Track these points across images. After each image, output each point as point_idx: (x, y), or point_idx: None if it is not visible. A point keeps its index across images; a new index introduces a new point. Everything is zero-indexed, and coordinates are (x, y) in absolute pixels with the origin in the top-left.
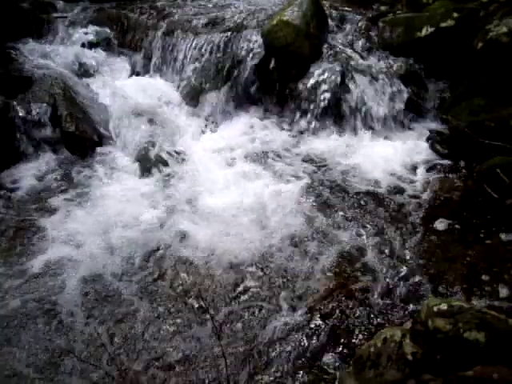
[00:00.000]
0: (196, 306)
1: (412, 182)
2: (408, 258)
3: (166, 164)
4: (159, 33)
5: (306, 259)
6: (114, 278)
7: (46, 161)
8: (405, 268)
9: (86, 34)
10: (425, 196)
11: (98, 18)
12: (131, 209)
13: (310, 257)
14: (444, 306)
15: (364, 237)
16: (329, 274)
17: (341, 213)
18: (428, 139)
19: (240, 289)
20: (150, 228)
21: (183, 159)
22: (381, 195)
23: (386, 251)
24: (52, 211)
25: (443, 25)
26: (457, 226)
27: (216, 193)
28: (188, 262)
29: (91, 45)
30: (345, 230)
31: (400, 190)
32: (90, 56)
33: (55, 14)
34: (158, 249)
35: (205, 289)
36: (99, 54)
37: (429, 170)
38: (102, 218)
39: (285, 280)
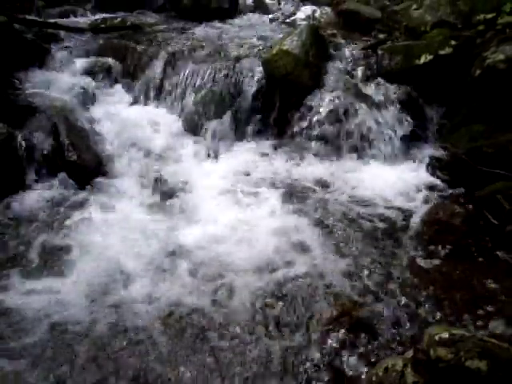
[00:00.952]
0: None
1: (412, 208)
2: (409, 284)
3: (166, 193)
4: (160, 62)
5: (304, 287)
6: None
7: (48, 189)
8: (405, 295)
9: (88, 63)
10: (425, 222)
11: (100, 48)
12: (131, 238)
13: (309, 284)
14: (445, 335)
15: (364, 263)
16: (329, 302)
17: (340, 239)
18: (428, 165)
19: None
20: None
21: (183, 188)
22: (380, 221)
23: (387, 278)
24: (50, 240)
25: (441, 52)
26: (457, 253)
27: (215, 223)
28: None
29: (93, 74)
30: (344, 258)
31: (400, 216)
32: (92, 85)
33: (58, 44)
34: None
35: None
36: (101, 83)
37: (429, 196)
38: (101, 250)
39: (284, 307)
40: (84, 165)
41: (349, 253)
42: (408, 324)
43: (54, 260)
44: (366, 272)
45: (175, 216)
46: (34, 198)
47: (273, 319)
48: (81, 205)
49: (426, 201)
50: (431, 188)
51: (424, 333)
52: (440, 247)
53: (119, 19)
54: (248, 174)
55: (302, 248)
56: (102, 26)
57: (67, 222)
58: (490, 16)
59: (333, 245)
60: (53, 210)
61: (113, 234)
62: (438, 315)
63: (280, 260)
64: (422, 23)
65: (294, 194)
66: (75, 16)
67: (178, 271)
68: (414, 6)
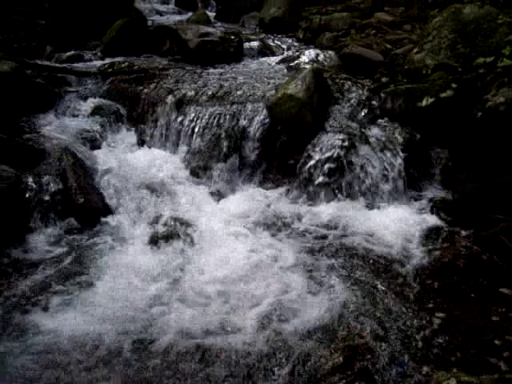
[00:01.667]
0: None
1: (416, 249)
2: (414, 327)
3: (171, 236)
4: (166, 106)
5: (304, 332)
6: None
7: (55, 232)
8: (411, 339)
9: (96, 106)
10: (429, 263)
11: (108, 91)
12: (136, 282)
13: (309, 330)
14: (453, 382)
15: (367, 306)
16: (331, 348)
17: (342, 281)
18: (432, 206)
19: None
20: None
21: (188, 232)
22: (385, 263)
23: (391, 321)
24: (56, 285)
25: (443, 95)
26: (462, 293)
27: (219, 266)
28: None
29: (101, 117)
30: (348, 301)
31: (404, 258)
32: (99, 128)
33: (67, 88)
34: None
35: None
36: (108, 126)
37: (433, 237)
38: (107, 293)
39: (286, 352)
40: (91, 207)
41: (351, 295)
42: (413, 369)
43: (60, 303)
44: (368, 315)
45: (178, 258)
46: (41, 241)
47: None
48: (87, 248)
49: (430, 242)
50: (435, 229)
51: (431, 380)
52: (444, 288)
53: (127, 63)
54: (252, 217)
55: (303, 294)
56: (110, 70)
57: (74, 266)
58: (489, 59)
59: (335, 287)
60: (59, 252)
61: (119, 276)
62: (445, 359)
63: (280, 308)
64: (424, 66)
65: (297, 236)
66: (84, 60)
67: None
68: (416, 50)
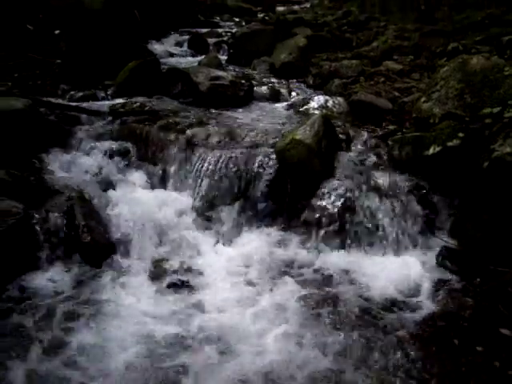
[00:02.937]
0: None
1: (421, 299)
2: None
3: (175, 281)
4: (176, 148)
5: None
6: None
7: (61, 269)
8: None
9: (107, 146)
10: (434, 314)
11: (119, 131)
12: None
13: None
14: None
15: (369, 359)
16: None
17: (343, 331)
18: (438, 256)
19: None
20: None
21: (192, 276)
22: (388, 313)
23: (392, 374)
24: (61, 323)
25: (449, 144)
26: (468, 347)
27: (225, 313)
28: None
29: (111, 157)
30: (347, 351)
31: (408, 308)
32: (110, 167)
33: (79, 127)
34: None
35: None
36: (118, 165)
37: (439, 287)
38: (110, 337)
39: None
40: (97, 246)
41: (351, 346)
42: None
43: (60, 347)
44: (368, 372)
45: (184, 303)
46: (47, 278)
47: None
48: (91, 287)
49: (435, 292)
50: (441, 279)
51: None
52: (450, 341)
53: (138, 104)
54: (256, 263)
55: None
56: (122, 109)
57: (79, 308)
58: (496, 110)
59: (336, 339)
60: (63, 291)
61: (124, 322)
62: None
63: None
64: (431, 115)
65: (302, 283)
66: (97, 99)
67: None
68: (423, 99)
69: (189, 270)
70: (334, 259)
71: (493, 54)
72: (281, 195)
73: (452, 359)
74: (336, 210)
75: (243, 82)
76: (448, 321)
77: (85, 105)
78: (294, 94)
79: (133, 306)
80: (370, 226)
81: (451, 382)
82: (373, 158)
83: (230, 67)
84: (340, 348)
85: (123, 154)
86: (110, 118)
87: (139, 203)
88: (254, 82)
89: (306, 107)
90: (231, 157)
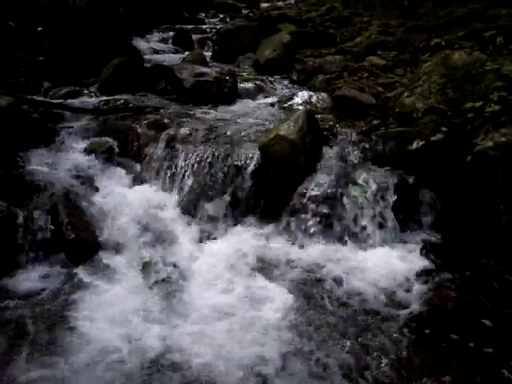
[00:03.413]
0: None
1: (405, 293)
2: (404, 375)
3: (160, 275)
4: (160, 144)
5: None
6: None
7: (45, 267)
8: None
9: (91, 143)
10: (418, 307)
11: (102, 128)
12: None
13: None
14: None
15: (353, 355)
16: None
17: (328, 328)
18: (421, 250)
19: None
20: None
21: (178, 272)
22: (371, 308)
23: (379, 369)
24: (45, 321)
25: (433, 138)
26: (453, 339)
27: (206, 310)
28: None
29: (95, 154)
30: (332, 344)
31: (391, 301)
32: (92, 165)
33: (63, 124)
34: None
35: None
36: (101, 163)
37: (422, 280)
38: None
39: None
40: (81, 243)
41: (337, 340)
42: None
43: (45, 344)
44: (353, 365)
45: (168, 301)
46: (31, 277)
47: None
48: (76, 286)
49: (419, 285)
50: (425, 272)
51: None
52: (434, 334)
53: (122, 101)
54: (243, 257)
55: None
56: (106, 107)
57: (62, 307)
58: (478, 104)
59: (323, 333)
60: (48, 290)
61: (105, 318)
62: None
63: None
64: (414, 110)
65: (288, 279)
66: (81, 97)
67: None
68: (406, 94)
69: (173, 266)
70: (319, 253)
71: (475, 49)
72: (265, 191)
73: (434, 348)
74: (320, 204)
75: (227, 78)
76: (431, 313)
77: (68, 102)
78: (278, 90)
79: (117, 304)
80: (352, 220)
81: (432, 370)
82: (357, 153)
83: (215, 64)
84: (322, 335)
85: (107, 151)
86: (93, 116)
87: (123, 200)
88: (238, 79)
89: (290, 103)
90: (215, 153)
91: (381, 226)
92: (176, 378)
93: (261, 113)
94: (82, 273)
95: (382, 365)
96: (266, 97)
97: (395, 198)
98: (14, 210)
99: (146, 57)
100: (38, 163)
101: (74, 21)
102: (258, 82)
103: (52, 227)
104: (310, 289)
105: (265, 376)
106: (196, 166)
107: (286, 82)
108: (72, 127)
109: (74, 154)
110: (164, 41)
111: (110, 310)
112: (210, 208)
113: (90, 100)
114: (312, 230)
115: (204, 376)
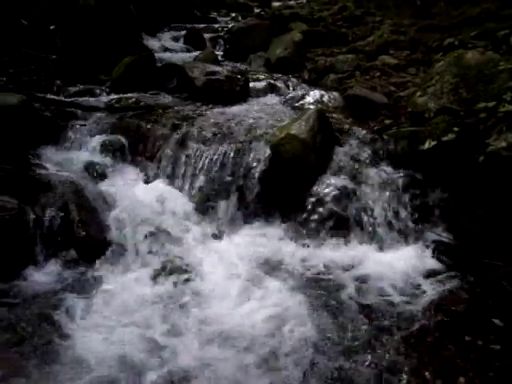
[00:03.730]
0: None
1: (416, 294)
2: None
3: (172, 273)
4: (171, 143)
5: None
6: None
7: (56, 264)
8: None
9: (102, 141)
10: (428, 308)
11: (114, 126)
12: (136, 321)
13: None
14: None
15: (361, 357)
16: None
17: (339, 325)
18: (433, 250)
19: None
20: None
21: (189, 270)
22: (382, 308)
23: (388, 371)
24: (55, 319)
25: (444, 138)
26: (465, 342)
27: (219, 310)
28: None
29: (106, 152)
30: (341, 345)
31: (403, 303)
32: (104, 163)
33: (74, 122)
34: None
35: None
36: (113, 161)
37: (433, 281)
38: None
39: None
40: (92, 241)
41: (345, 341)
42: None
43: (55, 344)
44: (361, 366)
45: (180, 299)
46: (42, 274)
47: None
48: (87, 284)
49: (430, 286)
50: (436, 273)
51: None
52: (444, 336)
53: (134, 99)
54: (254, 257)
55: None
56: (117, 105)
57: (72, 303)
58: (491, 104)
59: (332, 333)
60: (58, 287)
61: (116, 316)
62: None
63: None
64: (427, 110)
65: (299, 279)
66: (92, 95)
67: None
68: (419, 93)
69: (184, 264)
70: (332, 254)
71: (488, 48)
72: (276, 190)
73: (446, 349)
74: (331, 204)
75: (239, 77)
76: (443, 314)
77: (80, 100)
78: (289, 88)
79: (128, 301)
80: (364, 220)
81: (444, 370)
82: (368, 153)
83: (226, 62)
84: (329, 335)
85: (118, 149)
86: (105, 114)
87: (134, 198)
88: (249, 77)
89: (301, 102)
90: (226, 152)
91: (393, 226)
92: None
93: (272, 112)
94: (92, 270)
95: (393, 366)
96: (277, 96)
97: (407, 197)
98: (25, 207)
99: (158, 55)
100: (50, 161)
101: (84, 19)
102: (269, 81)
103: (63, 225)
104: (320, 289)
105: None
106: (207, 164)
107: (297, 81)
108: (84, 125)
109: (86, 152)
110: (175, 39)
111: (122, 306)
112: (220, 206)
113: (101, 98)
114: (324, 230)
115: None
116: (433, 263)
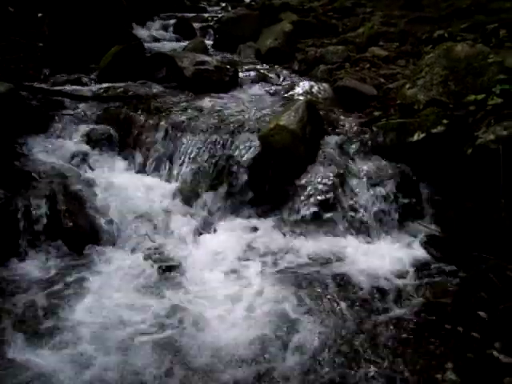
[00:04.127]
0: None
1: (404, 286)
2: (401, 368)
3: (158, 265)
4: (159, 132)
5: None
6: None
7: (43, 255)
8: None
9: (90, 131)
10: (416, 300)
11: (102, 116)
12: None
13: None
14: None
15: (347, 345)
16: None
17: (325, 316)
18: (421, 242)
19: None
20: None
21: (176, 262)
22: (368, 299)
23: (377, 363)
24: (43, 311)
25: (434, 130)
26: (450, 334)
27: (207, 304)
28: None
29: (94, 142)
30: (328, 334)
31: (390, 295)
32: (92, 152)
33: (62, 112)
34: None
35: None
36: (101, 150)
37: (421, 273)
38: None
39: None
40: (80, 232)
41: (332, 330)
42: None
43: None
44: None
45: (166, 292)
46: (29, 265)
47: None
48: (74, 275)
49: (417, 278)
50: (424, 265)
51: None
52: (431, 327)
53: (122, 88)
54: (241, 249)
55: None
56: (105, 94)
57: (60, 295)
58: (480, 97)
59: (320, 324)
60: (46, 279)
61: (103, 309)
62: None
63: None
64: (416, 102)
65: (283, 269)
66: (80, 84)
67: None
68: (408, 85)
69: (171, 255)
70: (320, 244)
71: (478, 41)
72: (264, 181)
73: (434, 340)
74: (319, 196)
75: (228, 67)
76: (430, 306)
77: (68, 89)
78: (279, 79)
79: (114, 293)
80: (352, 212)
81: (429, 361)
82: (357, 144)
83: (216, 52)
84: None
85: (106, 139)
86: (93, 103)
87: (122, 188)
88: (239, 68)
89: (290, 93)
90: (215, 142)
91: (381, 217)
92: None
93: (261, 102)
94: (80, 260)
95: (379, 357)
96: (267, 86)
97: (395, 189)
98: (11, 197)
99: (147, 45)
100: (37, 150)
101: (72, 7)
102: (258, 71)
103: (50, 215)
104: (306, 280)
105: None
106: (195, 154)
107: (287, 72)
108: (71, 114)
109: (73, 142)
110: (165, 29)
111: (107, 299)
112: (208, 197)
113: (89, 87)
114: (312, 221)
115: None
116: (421, 255)
